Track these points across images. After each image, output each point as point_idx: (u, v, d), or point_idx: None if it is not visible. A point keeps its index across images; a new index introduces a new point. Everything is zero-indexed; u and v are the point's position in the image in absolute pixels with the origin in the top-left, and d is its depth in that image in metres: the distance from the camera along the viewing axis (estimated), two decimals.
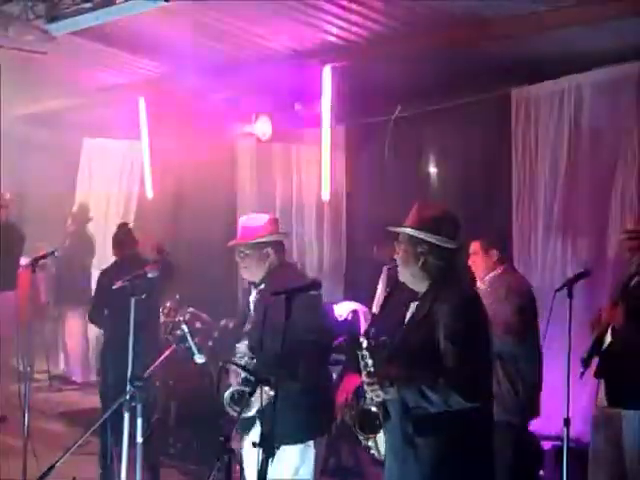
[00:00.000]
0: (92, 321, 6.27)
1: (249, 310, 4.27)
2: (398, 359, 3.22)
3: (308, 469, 4.06)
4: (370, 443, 3.34)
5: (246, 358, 3.92)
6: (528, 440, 5.22)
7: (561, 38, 5.64)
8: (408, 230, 3.31)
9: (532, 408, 5.04)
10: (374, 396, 3.16)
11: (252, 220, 4.37)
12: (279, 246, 4.29)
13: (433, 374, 3.08)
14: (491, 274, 5.18)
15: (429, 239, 3.26)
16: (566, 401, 4.06)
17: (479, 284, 5.12)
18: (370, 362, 3.15)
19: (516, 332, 4.86)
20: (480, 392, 3.16)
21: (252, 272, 4.26)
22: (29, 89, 8.34)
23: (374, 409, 3.20)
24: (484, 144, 6.86)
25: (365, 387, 3.18)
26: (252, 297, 4.27)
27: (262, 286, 4.19)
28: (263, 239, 4.20)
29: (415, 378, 3.11)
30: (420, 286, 3.34)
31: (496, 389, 4.49)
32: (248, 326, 4.18)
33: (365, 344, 3.18)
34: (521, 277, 5.36)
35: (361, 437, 3.32)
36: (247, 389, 3.75)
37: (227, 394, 3.96)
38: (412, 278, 3.34)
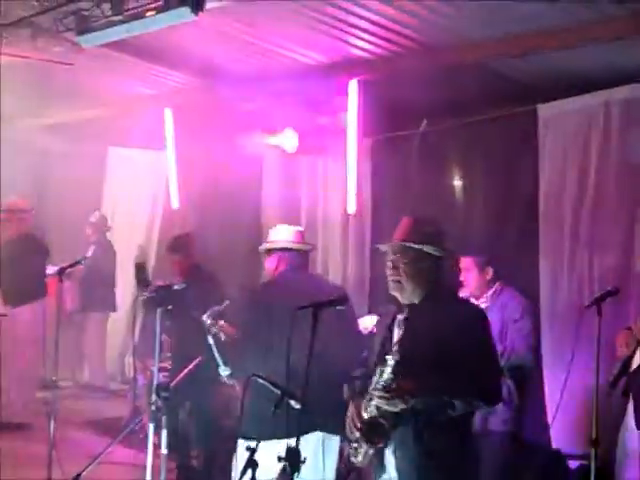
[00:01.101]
0: None
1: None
2: (411, 370, 3.22)
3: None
4: (356, 450, 3.37)
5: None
6: (554, 459, 5.18)
7: (589, 53, 5.62)
8: (408, 244, 3.36)
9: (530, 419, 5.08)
10: (390, 407, 3.17)
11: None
12: None
13: (451, 381, 3.14)
14: (489, 291, 5.19)
15: (427, 250, 3.34)
16: (594, 421, 4.01)
17: (472, 299, 5.12)
18: (390, 377, 3.17)
19: (535, 349, 4.91)
20: (501, 395, 3.34)
21: None
22: (54, 99, 8.44)
23: (382, 420, 3.23)
24: (510, 160, 6.82)
25: (377, 400, 3.20)
26: None
27: None
28: None
29: (434, 388, 3.16)
30: (413, 297, 3.39)
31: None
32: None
33: (391, 361, 3.19)
34: (522, 294, 5.35)
35: (366, 446, 3.33)
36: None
37: None
38: (409, 290, 3.38)
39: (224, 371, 4.34)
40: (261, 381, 3.68)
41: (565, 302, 6.00)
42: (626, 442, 4.48)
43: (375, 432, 3.25)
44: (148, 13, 4.78)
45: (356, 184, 7.14)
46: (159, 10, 4.67)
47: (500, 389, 3.37)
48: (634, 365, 4.36)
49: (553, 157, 6.25)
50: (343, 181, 7.32)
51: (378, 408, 3.24)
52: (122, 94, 8.33)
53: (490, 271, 5.22)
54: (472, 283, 5.23)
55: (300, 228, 4.57)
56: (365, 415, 3.30)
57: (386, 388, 3.17)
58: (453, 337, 3.21)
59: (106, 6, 4.92)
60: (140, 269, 5.99)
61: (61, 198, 10.00)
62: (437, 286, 3.40)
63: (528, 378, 5.04)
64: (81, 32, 5.18)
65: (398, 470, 3.32)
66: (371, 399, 3.28)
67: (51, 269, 7.13)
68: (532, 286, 6.12)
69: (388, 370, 3.22)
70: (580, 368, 4.64)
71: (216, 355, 4.30)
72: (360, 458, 3.36)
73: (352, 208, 7.23)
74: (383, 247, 3.49)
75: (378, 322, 3.69)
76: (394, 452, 3.31)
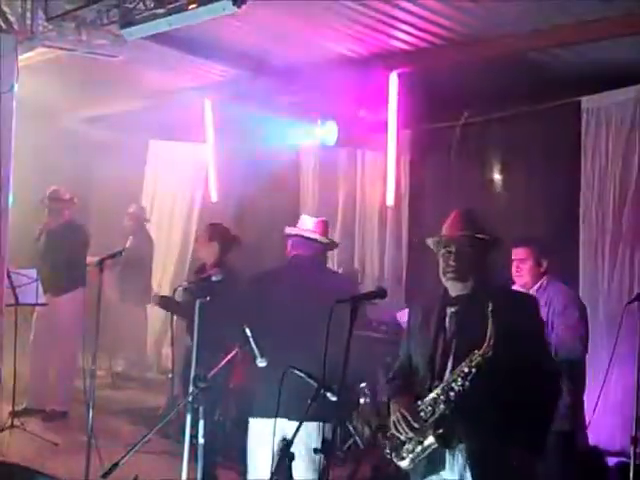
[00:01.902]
0: None
1: None
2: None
3: None
4: (403, 451, 3.26)
5: None
6: (592, 455, 5.11)
7: (632, 44, 5.53)
8: (475, 234, 3.32)
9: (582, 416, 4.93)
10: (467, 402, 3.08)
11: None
12: None
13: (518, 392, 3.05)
14: (536, 286, 5.08)
15: (488, 240, 3.32)
16: (635, 418, 3.96)
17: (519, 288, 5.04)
18: (472, 370, 3.09)
19: (584, 340, 4.76)
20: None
21: None
22: (97, 91, 8.53)
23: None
24: (551, 152, 6.75)
25: (457, 388, 3.10)
26: None
27: None
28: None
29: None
30: (466, 289, 3.33)
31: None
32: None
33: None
34: (569, 285, 5.26)
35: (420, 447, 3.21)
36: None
37: None
38: (470, 280, 3.32)
39: (261, 362, 4.32)
40: (297, 372, 3.69)
41: (606, 298, 5.93)
42: None
43: (449, 430, 3.13)
44: (190, 6, 4.80)
45: (395, 176, 7.12)
46: (201, 3, 4.69)
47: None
48: None
49: (595, 150, 6.17)
50: (381, 173, 7.31)
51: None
52: (164, 86, 8.38)
53: (545, 263, 5.10)
54: (526, 274, 5.10)
55: (323, 219, 4.57)
56: (428, 409, 3.17)
57: (468, 379, 3.08)
58: (510, 333, 3.08)
59: None
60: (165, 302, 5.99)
61: (103, 189, 10.10)
62: (491, 276, 3.37)
63: (580, 372, 4.85)
64: (124, 25, 5.22)
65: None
66: (443, 394, 3.14)
67: (91, 259, 7.20)
68: (572, 282, 6.05)
69: (473, 363, 3.08)
70: (621, 365, 4.59)
71: (253, 346, 4.29)
72: (408, 461, 3.23)
73: (390, 200, 7.21)
74: (437, 239, 3.39)
75: (415, 316, 3.57)
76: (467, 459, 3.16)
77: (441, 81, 6.62)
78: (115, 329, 8.97)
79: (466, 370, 3.09)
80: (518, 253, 5.12)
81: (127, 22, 5.12)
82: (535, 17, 5.53)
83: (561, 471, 4.88)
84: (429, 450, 3.16)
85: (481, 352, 3.05)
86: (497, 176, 7.32)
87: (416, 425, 3.17)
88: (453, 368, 3.16)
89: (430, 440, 3.14)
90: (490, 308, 3.08)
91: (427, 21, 5.87)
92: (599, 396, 5.11)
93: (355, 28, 6.17)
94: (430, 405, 3.18)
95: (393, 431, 3.26)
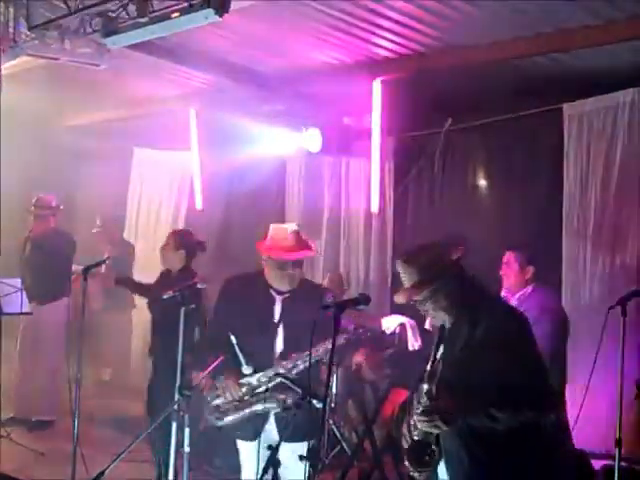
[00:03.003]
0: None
1: (270, 318, 4.34)
2: (452, 388, 3.12)
3: None
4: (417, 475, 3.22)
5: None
6: (578, 459, 5.14)
7: (614, 52, 5.59)
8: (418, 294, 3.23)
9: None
10: (432, 429, 3.08)
11: (297, 230, 4.46)
12: None
13: (495, 393, 3.04)
14: (521, 292, 5.11)
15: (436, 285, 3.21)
16: (619, 421, 3.99)
17: (504, 294, 5.07)
18: (427, 402, 3.08)
19: (553, 354, 4.79)
20: (552, 401, 3.22)
21: (294, 282, 4.35)
22: (80, 100, 8.52)
23: (427, 441, 3.13)
24: (534, 158, 6.80)
25: (419, 424, 3.09)
26: (277, 306, 4.35)
27: (287, 295, 4.31)
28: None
29: (477, 404, 3.07)
30: (449, 319, 3.29)
31: None
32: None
33: (426, 389, 3.10)
34: (552, 295, 5.28)
35: (414, 472, 3.20)
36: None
37: None
38: (446, 316, 3.27)
39: (247, 370, 4.33)
40: (284, 380, 3.71)
41: (588, 302, 5.97)
42: None
43: (423, 454, 3.13)
44: (173, 15, 4.80)
45: (379, 183, 7.15)
46: (184, 12, 4.69)
47: (550, 394, 3.23)
48: None
49: (577, 156, 6.23)
50: (366, 180, 7.35)
51: (423, 431, 3.12)
52: (147, 95, 8.38)
53: (530, 270, 5.14)
54: (511, 278, 5.15)
55: (293, 227, 4.52)
56: (415, 436, 3.19)
57: (425, 412, 3.07)
58: (488, 347, 3.11)
59: (132, 8, 4.95)
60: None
61: (88, 197, 10.08)
62: (467, 299, 3.27)
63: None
64: (107, 34, 5.21)
65: None
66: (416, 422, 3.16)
67: (76, 267, 7.18)
68: (556, 288, 6.10)
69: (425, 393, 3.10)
70: (605, 369, 4.62)
71: (238, 353, 4.30)
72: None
73: (375, 207, 7.24)
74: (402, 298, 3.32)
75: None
76: (447, 469, 3.21)
77: (424, 88, 6.66)
78: (100, 337, 8.95)
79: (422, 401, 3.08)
80: (505, 256, 5.17)
81: (110, 31, 5.11)
82: (518, 25, 5.58)
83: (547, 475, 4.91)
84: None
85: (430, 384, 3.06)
86: (481, 182, 7.36)
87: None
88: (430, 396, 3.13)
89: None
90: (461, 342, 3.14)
91: (410, 29, 5.91)
92: (583, 400, 5.15)
93: (339, 36, 6.19)
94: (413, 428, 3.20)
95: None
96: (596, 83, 6.05)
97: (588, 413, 4.99)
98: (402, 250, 3.39)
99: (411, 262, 3.25)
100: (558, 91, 6.32)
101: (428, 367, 3.11)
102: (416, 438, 3.15)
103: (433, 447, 3.12)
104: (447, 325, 3.27)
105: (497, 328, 3.16)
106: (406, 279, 3.26)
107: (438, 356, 3.15)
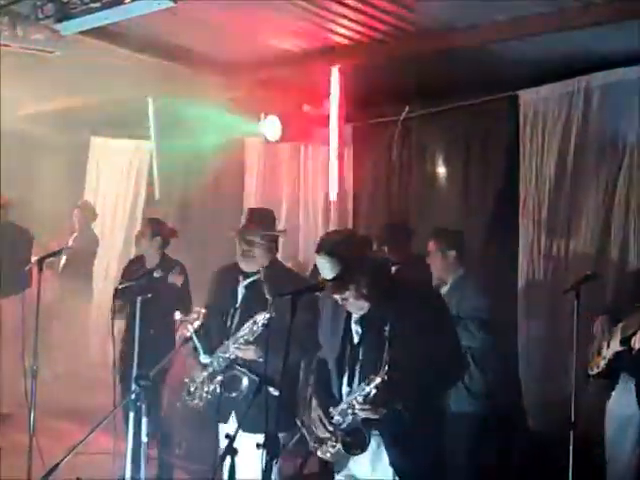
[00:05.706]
0: None
1: (234, 300, 4.36)
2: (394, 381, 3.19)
3: None
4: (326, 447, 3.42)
5: None
6: (535, 440, 5.21)
7: (569, 39, 5.63)
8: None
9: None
10: (371, 416, 3.21)
11: (266, 211, 4.47)
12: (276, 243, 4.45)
13: (434, 375, 3.22)
14: (454, 276, 5.14)
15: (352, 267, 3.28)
16: (573, 404, 4.05)
17: (437, 282, 5.10)
18: (372, 391, 3.18)
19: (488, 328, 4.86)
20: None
21: (256, 262, 4.33)
22: (35, 88, 8.37)
23: (363, 428, 3.27)
24: (491, 145, 6.85)
25: (359, 411, 3.23)
26: (241, 288, 4.37)
27: (255, 277, 4.31)
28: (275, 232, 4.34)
29: (420, 388, 3.20)
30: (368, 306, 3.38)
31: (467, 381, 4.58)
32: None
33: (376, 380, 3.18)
34: (483, 278, 5.33)
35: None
36: None
37: None
38: (365, 303, 3.36)
39: (205, 359, 4.32)
40: (239, 368, 3.70)
41: (543, 287, 6.04)
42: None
43: (357, 439, 3.28)
44: (126, 0, 4.76)
45: (338, 171, 7.15)
46: None
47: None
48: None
49: (533, 143, 6.28)
50: (325, 168, 7.33)
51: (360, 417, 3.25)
52: (104, 82, 8.26)
53: (452, 255, 5.17)
54: (436, 266, 5.19)
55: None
56: (337, 417, 3.34)
57: (368, 400, 3.19)
58: (408, 328, 3.22)
59: None
60: None
61: (45, 188, 9.94)
62: (385, 286, 3.39)
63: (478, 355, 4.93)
64: (60, 19, 5.15)
65: (394, 465, 3.31)
66: (349, 408, 3.29)
67: (32, 259, 7.11)
68: (510, 271, 6.18)
69: (372, 385, 3.19)
70: (560, 351, 4.69)
71: (197, 343, 4.28)
72: (329, 455, 3.42)
73: (334, 195, 7.24)
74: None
75: (325, 314, 3.61)
76: (387, 449, 3.32)
77: (382, 75, 6.64)
78: (58, 329, 8.86)
79: (366, 390, 3.20)
80: (428, 245, 5.24)
81: (63, 16, 5.05)
82: (473, 13, 5.60)
83: (503, 457, 4.98)
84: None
85: (379, 376, 3.15)
86: (438, 169, 7.39)
87: (330, 428, 3.36)
88: (361, 376, 3.29)
89: (339, 446, 3.33)
90: (387, 329, 3.20)
91: (368, 16, 5.89)
92: (540, 383, 5.22)
93: (296, 23, 6.16)
94: (340, 414, 3.34)
95: (313, 427, 3.44)
96: (551, 70, 6.10)
97: (543, 395, 5.06)
98: (321, 242, 3.39)
99: (334, 254, 3.29)
100: (514, 78, 6.35)
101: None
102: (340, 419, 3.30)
103: (365, 433, 3.27)
104: (364, 312, 3.37)
105: (413, 309, 3.29)
106: (327, 270, 3.30)
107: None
